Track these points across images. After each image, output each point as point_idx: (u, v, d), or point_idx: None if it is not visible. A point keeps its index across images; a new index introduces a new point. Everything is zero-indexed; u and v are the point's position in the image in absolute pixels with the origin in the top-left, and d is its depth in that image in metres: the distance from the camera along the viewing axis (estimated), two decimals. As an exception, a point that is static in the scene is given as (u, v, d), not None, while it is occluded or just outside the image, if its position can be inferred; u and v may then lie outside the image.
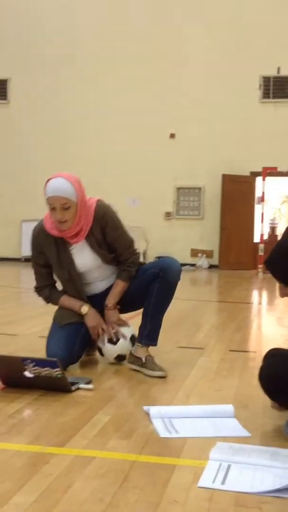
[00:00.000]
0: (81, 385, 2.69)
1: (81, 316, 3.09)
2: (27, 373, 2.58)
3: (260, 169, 12.51)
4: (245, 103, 13.23)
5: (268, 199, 13.13)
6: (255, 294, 8.57)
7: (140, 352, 3.05)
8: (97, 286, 3.18)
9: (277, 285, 2.22)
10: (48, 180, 2.89)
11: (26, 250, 13.66)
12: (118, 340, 3.11)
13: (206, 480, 1.73)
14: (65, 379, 2.59)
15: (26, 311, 5.69)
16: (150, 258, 12.63)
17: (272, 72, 13.28)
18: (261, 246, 12.20)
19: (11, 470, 1.78)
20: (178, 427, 2.20)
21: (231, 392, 2.73)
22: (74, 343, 3.05)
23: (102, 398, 2.58)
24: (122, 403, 2.55)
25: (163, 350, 3.61)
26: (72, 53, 13.92)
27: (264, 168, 12.32)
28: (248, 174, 13.31)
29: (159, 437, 2.11)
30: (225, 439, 2.09)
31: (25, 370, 2.58)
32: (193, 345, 3.90)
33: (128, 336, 3.13)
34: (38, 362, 2.57)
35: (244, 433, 2.16)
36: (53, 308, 3.26)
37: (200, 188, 13.66)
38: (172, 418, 2.28)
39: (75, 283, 3.09)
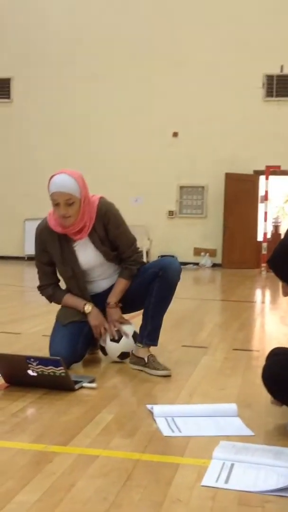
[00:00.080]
0: (85, 384, 2.69)
1: (84, 314, 3.09)
2: (31, 372, 2.59)
3: (263, 168, 12.50)
4: (249, 101, 13.21)
5: (272, 197, 13.12)
6: (258, 293, 8.56)
7: (142, 352, 3.05)
8: (100, 285, 3.18)
9: (280, 284, 2.22)
10: (52, 176, 2.92)
11: (29, 249, 13.70)
12: (120, 338, 3.11)
13: (209, 479, 1.73)
14: (69, 377, 2.59)
15: (29, 310, 5.69)
16: (153, 257, 12.63)
17: (276, 71, 13.26)
18: (264, 244, 12.19)
19: (14, 469, 1.78)
20: (181, 426, 2.20)
21: (234, 391, 2.73)
22: (77, 342, 3.05)
23: (105, 397, 2.58)
24: (125, 402, 2.55)
25: (166, 349, 3.61)
26: (74, 52, 13.92)
27: (268, 167, 12.30)
28: (251, 172, 13.30)
29: (163, 436, 2.11)
30: (228, 438, 2.09)
31: (28, 368, 2.58)
32: (197, 344, 3.90)
33: (130, 333, 3.13)
34: (42, 361, 2.57)
35: (248, 432, 2.16)
36: (56, 307, 3.26)
37: (203, 187, 13.65)
38: (175, 417, 2.28)
39: (78, 280, 3.09)
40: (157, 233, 13.47)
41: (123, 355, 3.16)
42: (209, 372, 3.09)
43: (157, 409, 2.34)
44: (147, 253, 12.75)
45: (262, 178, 12.86)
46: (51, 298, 3.21)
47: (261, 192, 12.88)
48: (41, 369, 2.56)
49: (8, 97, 14.60)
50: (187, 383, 2.85)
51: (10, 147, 14.40)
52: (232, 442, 2.02)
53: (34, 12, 14.20)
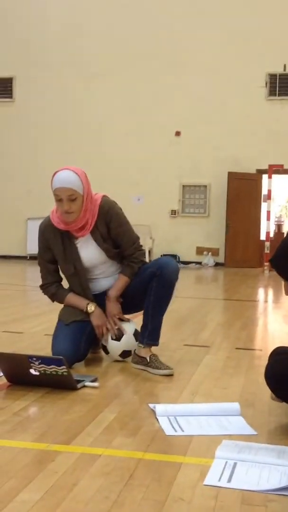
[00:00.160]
0: (87, 383, 2.69)
1: (87, 314, 3.09)
2: (33, 371, 2.59)
3: (266, 167, 12.48)
4: (251, 100, 13.19)
5: (274, 196, 13.11)
6: (261, 292, 8.55)
7: (144, 352, 3.05)
8: (101, 284, 3.18)
9: (283, 283, 2.21)
10: (55, 172, 2.95)
11: (32, 248, 13.72)
12: (121, 336, 3.10)
13: (212, 478, 1.73)
14: (71, 376, 2.59)
15: (31, 309, 5.69)
16: (156, 256, 12.61)
17: (279, 69, 13.24)
18: (267, 243, 12.18)
19: (17, 468, 1.78)
20: (184, 425, 2.20)
21: (237, 390, 2.72)
22: (80, 341, 3.05)
23: (108, 396, 2.57)
24: (127, 401, 2.55)
25: (168, 348, 3.61)
26: (76, 51, 13.92)
27: (270, 166, 12.29)
28: (254, 171, 13.28)
29: (165, 435, 2.11)
30: (231, 437, 2.08)
31: (30, 368, 2.58)
32: (199, 343, 3.89)
33: (131, 332, 3.13)
34: (44, 360, 2.57)
35: (250, 431, 2.16)
36: (58, 306, 3.26)
37: (205, 186, 13.64)
38: (177, 416, 2.28)
39: (80, 278, 3.09)
40: (159, 232, 13.47)
41: (125, 354, 3.16)
42: (211, 371, 3.09)
43: (159, 408, 2.34)
44: (149, 252, 12.74)
45: (265, 177, 12.85)
46: (53, 297, 3.21)
47: (264, 191, 12.86)
48: (43, 368, 2.56)
49: (10, 97, 14.61)
50: (190, 382, 2.85)
51: (12, 147, 14.41)
52: (234, 441, 2.02)
53: (36, 11, 14.21)
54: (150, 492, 1.63)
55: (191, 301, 6.52)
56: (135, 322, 3.23)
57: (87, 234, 3.04)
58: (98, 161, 13.32)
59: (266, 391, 2.33)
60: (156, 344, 3.08)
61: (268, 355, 2.37)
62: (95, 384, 2.70)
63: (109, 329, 3.10)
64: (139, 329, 3.13)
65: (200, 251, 13.59)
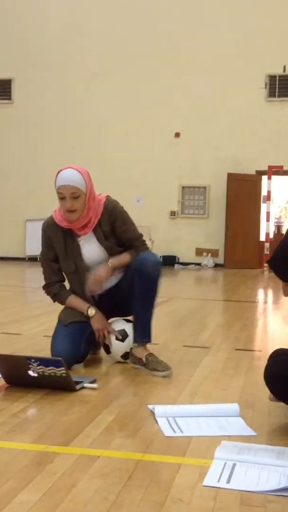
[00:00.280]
0: (86, 384, 2.68)
1: (87, 317, 3.10)
2: (31, 372, 2.58)
3: (265, 168, 12.49)
4: (251, 101, 13.19)
5: (274, 197, 13.11)
6: (260, 292, 8.55)
7: (139, 352, 3.05)
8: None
9: (281, 283, 2.21)
10: (59, 171, 2.99)
11: (31, 250, 13.73)
12: (125, 337, 3.10)
13: (211, 479, 1.72)
14: (70, 378, 2.59)
15: (30, 310, 5.69)
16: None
17: (278, 71, 13.25)
18: (267, 244, 12.19)
19: (15, 469, 1.77)
20: (183, 426, 2.19)
21: (236, 391, 2.72)
22: (80, 342, 3.05)
23: (107, 397, 2.57)
24: (126, 402, 2.54)
25: (168, 349, 3.61)
26: (75, 53, 13.92)
27: (270, 167, 12.29)
28: (253, 173, 13.28)
29: (164, 436, 2.10)
30: (230, 438, 2.08)
31: (29, 369, 2.58)
32: (199, 344, 3.89)
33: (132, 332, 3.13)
34: (43, 361, 2.56)
35: (250, 432, 2.15)
36: (57, 308, 3.26)
37: (205, 187, 13.64)
38: (177, 417, 2.27)
39: (80, 276, 3.10)
40: (159, 233, 13.46)
41: (127, 355, 3.15)
42: (211, 372, 3.08)
43: (158, 409, 2.33)
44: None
45: (264, 178, 12.86)
46: (55, 297, 3.20)
47: (264, 192, 12.87)
48: (42, 369, 2.55)
49: (9, 98, 14.61)
50: (189, 383, 2.84)
51: (11, 148, 14.41)
52: (234, 442, 2.02)
53: (35, 13, 14.21)
54: (149, 493, 1.63)
55: (191, 302, 6.52)
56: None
57: (89, 232, 3.06)
58: (97, 162, 13.29)
59: (266, 392, 2.33)
60: (149, 341, 3.07)
61: (268, 356, 2.37)
62: (94, 385, 2.69)
63: (112, 332, 3.10)
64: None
65: (199, 252, 13.59)
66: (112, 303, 3.18)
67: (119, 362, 3.19)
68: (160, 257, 13.39)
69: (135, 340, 3.07)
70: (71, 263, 3.09)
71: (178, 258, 13.51)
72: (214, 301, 7.13)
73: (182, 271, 12.46)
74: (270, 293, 8.49)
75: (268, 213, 12.30)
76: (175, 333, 4.35)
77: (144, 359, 3.01)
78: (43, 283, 3.22)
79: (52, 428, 2.16)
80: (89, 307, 3.11)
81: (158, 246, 13.25)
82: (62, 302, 3.19)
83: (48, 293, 3.22)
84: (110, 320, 3.21)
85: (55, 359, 2.59)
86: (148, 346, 3.10)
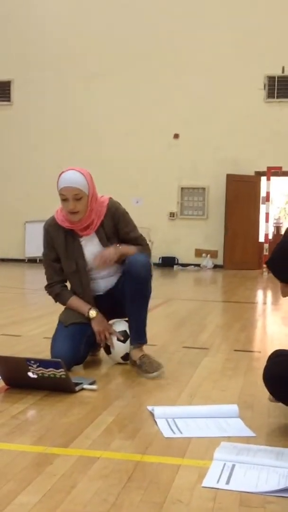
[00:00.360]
0: (85, 386, 2.69)
1: (88, 319, 3.10)
2: (31, 374, 2.58)
3: (264, 169, 12.48)
4: (250, 102, 13.20)
5: (273, 198, 13.12)
6: (259, 293, 8.55)
7: (134, 353, 3.05)
8: (99, 285, 3.19)
9: (280, 284, 2.22)
10: (61, 173, 3.00)
11: (30, 251, 13.73)
12: (127, 338, 3.10)
13: (210, 480, 1.73)
14: (69, 379, 2.59)
15: (30, 312, 5.69)
16: (154, 259, 12.62)
17: (277, 72, 13.25)
18: (266, 245, 12.18)
19: (15, 471, 1.78)
20: (182, 427, 2.19)
21: (235, 392, 2.72)
22: (80, 343, 3.05)
23: (106, 398, 2.57)
24: (126, 403, 2.54)
25: (167, 350, 3.61)
26: (74, 54, 13.92)
27: (269, 168, 12.29)
28: (252, 174, 13.29)
29: (163, 437, 2.10)
30: (229, 439, 2.08)
31: (29, 371, 2.58)
32: (198, 345, 3.89)
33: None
34: (42, 363, 2.56)
35: (249, 433, 2.16)
36: (57, 309, 3.26)
37: (204, 188, 13.64)
38: (176, 418, 2.28)
39: (81, 276, 3.10)
40: (158, 234, 13.46)
41: (127, 356, 3.15)
42: (210, 373, 3.08)
43: (158, 410, 2.33)
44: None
45: (263, 179, 12.85)
46: (57, 298, 3.21)
47: (263, 193, 12.87)
48: (41, 371, 2.56)
49: (9, 100, 14.61)
50: (188, 384, 2.85)
51: (11, 150, 14.40)
52: (233, 443, 2.02)
53: (34, 14, 14.21)
54: (148, 494, 1.63)
55: (190, 303, 6.52)
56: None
57: (91, 233, 3.08)
58: (97, 163, 13.28)
59: (265, 393, 2.33)
60: (144, 342, 3.07)
61: (267, 357, 2.37)
62: (94, 386, 2.70)
63: (113, 333, 3.10)
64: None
65: (199, 253, 13.59)
66: (112, 303, 3.18)
67: (118, 363, 3.19)
68: (160, 258, 13.45)
69: (131, 342, 3.07)
70: (72, 262, 3.10)
71: (178, 259, 13.51)
72: (214, 302, 7.13)
73: (182, 272, 12.46)
74: (269, 294, 8.49)
75: (267, 214, 12.31)
76: (175, 334, 4.35)
77: (138, 360, 3.01)
78: (44, 284, 3.22)
79: (52, 430, 2.16)
80: (90, 308, 3.11)
81: (158, 247, 13.26)
82: (63, 303, 3.20)
83: (50, 293, 3.23)
84: (111, 321, 3.22)
85: (54, 361, 2.60)
86: (147, 347, 3.10)
